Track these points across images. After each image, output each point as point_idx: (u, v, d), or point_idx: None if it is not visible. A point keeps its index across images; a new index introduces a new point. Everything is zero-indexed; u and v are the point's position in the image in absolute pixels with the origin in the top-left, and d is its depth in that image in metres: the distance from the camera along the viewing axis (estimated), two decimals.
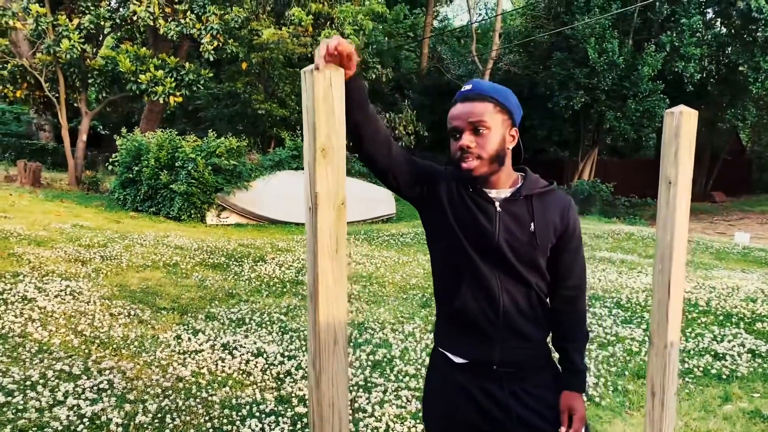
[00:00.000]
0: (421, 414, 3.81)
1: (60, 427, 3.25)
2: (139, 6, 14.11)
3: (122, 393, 3.75)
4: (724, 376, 4.46)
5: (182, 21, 14.44)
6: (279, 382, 4.14)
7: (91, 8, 14.49)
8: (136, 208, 12.68)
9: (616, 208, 19.38)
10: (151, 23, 14.41)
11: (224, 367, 4.34)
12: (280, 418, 3.60)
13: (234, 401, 3.80)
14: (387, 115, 18.93)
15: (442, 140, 21.27)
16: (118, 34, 17.15)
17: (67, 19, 14.25)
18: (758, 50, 18.60)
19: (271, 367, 4.38)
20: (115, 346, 4.58)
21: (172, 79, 14.41)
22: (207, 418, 3.55)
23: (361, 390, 4.05)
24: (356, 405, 3.82)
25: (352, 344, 4.94)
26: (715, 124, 22.21)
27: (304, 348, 4.81)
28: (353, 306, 6.10)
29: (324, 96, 1.52)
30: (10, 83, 15.79)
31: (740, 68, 19.41)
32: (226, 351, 4.66)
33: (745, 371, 4.55)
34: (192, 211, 12.16)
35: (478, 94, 1.70)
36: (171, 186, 12.00)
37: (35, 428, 3.24)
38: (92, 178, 16.07)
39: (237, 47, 15.23)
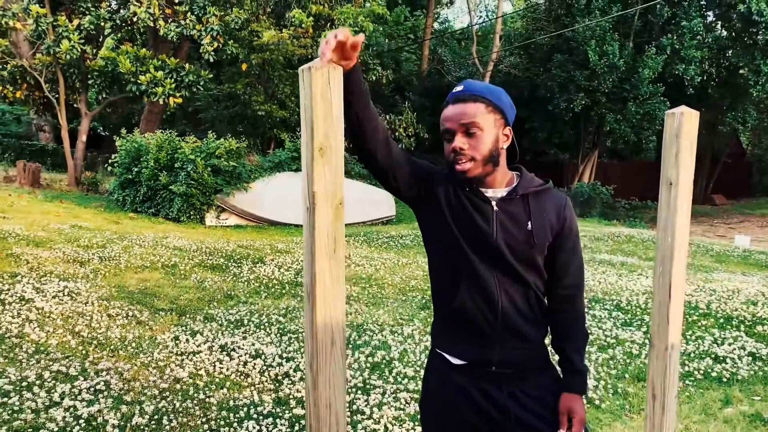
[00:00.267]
0: (419, 416, 3.79)
1: (56, 429, 3.23)
2: (140, 7, 14.10)
3: (119, 394, 3.73)
4: (725, 379, 4.44)
5: (182, 22, 14.43)
6: (277, 384, 4.12)
7: (91, 9, 14.48)
8: (136, 209, 12.66)
9: (616, 211, 19.37)
10: (151, 24, 14.41)
11: (222, 368, 4.32)
12: (277, 420, 3.57)
13: (232, 403, 3.78)
14: (387, 116, 18.92)
15: (442, 142, 21.21)
16: (119, 35, 17.16)
17: (67, 20, 14.25)
18: (759, 53, 18.59)
19: (269, 369, 4.36)
20: (112, 347, 4.56)
21: (172, 80, 14.40)
22: (204, 419, 3.53)
23: (359, 392, 4.03)
24: (354, 407, 3.80)
25: (351, 346, 4.93)
26: (716, 126, 22.22)
27: (302, 350, 4.79)
28: (352, 308, 6.08)
29: (322, 94, 1.50)
30: (10, 84, 15.79)
31: (741, 71, 19.42)
32: (224, 352, 4.64)
33: (745, 374, 4.53)
34: (191, 213, 12.15)
35: (469, 95, 1.69)
36: (170, 187, 11.99)
37: (31, 429, 3.22)
38: (92, 179, 16.06)
39: (237, 48, 15.22)
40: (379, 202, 13.99)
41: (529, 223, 1.72)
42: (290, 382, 4.16)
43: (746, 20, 18.36)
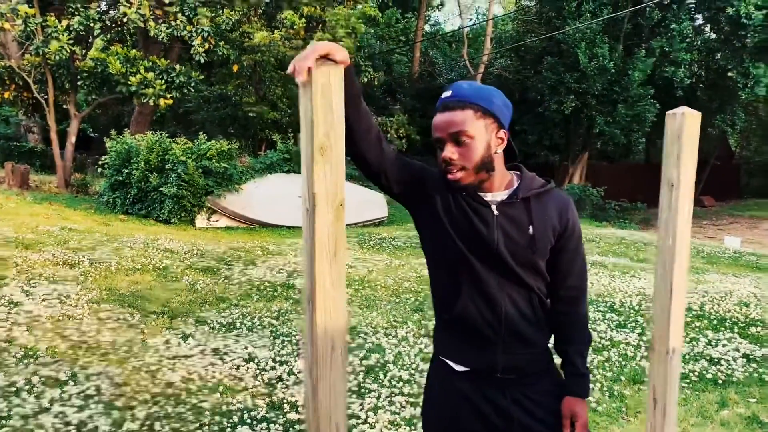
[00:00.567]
0: (415, 421, 3.76)
1: None
2: (129, 8, 14.00)
3: (110, 399, 3.67)
4: (720, 381, 4.43)
5: (173, 23, 14.34)
6: (270, 388, 4.07)
7: (81, 10, 14.36)
8: (126, 211, 12.55)
9: (607, 212, 19.42)
10: (142, 25, 14.30)
11: (215, 372, 4.27)
12: (271, 425, 3.53)
13: (225, 407, 3.73)
14: (379, 118, 18.90)
15: (432, 144, 21.23)
16: (108, 36, 17.02)
17: (57, 21, 14.11)
18: (747, 56, 18.73)
19: (262, 373, 4.31)
20: (103, 350, 4.49)
21: (163, 81, 14.30)
22: (197, 425, 3.48)
23: (354, 396, 3.98)
24: (349, 411, 3.75)
25: None
26: (705, 129, 22.31)
27: (295, 353, 4.74)
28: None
29: (322, 92, 1.46)
30: None
31: (729, 74, 19.54)
32: (217, 356, 4.58)
33: (741, 376, 4.52)
34: (182, 214, 12.06)
35: (457, 101, 1.63)
36: (161, 189, 11.90)
37: None
38: (81, 181, 15.92)
39: (228, 50, 15.14)
40: (372, 203, 13.95)
41: (531, 227, 1.68)
42: (284, 386, 4.11)
43: (735, 23, 18.48)
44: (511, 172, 1.79)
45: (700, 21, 21.42)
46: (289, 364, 4.49)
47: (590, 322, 5.75)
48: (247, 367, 4.37)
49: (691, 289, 7.24)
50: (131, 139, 13.09)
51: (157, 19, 14.50)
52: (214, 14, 14.76)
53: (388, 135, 18.68)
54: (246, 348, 4.78)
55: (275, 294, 6.59)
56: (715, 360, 4.82)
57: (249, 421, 3.56)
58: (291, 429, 3.50)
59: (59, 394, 3.67)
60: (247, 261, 8.16)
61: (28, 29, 14.22)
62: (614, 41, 19.10)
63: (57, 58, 13.93)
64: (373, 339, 5.12)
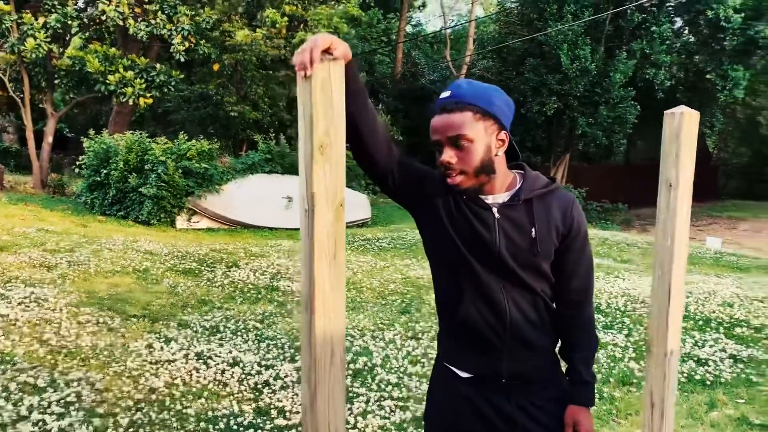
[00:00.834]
0: (405, 425, 3.69)
1: None
2: (108, 5, 13.77)
3: (91, 406, 3.55)
4: (709, 382, 4.43)
5: (152, 21, 14.13)
6: (257, 393, 3.98)
7: (58, 7, 14.08)
8: (104, 212, 12.33)
9: (588, 213, 19.54)
10: (121, 23, 14.08)
11: (199, 377, 4.16)
12: (259, 431, 3.44)
13: (210, 413, 3.63)
14: None
15: (416, 145, 21.23)
16: (86, 34, 16.73)
17: (33, 18, 13.84)
18: (726, 59, 18.95)
19: (248, 377, 4.21)
20: (83, 356, 4.36)
21: (142, 80, 14.09)
22: (182, 431, 3.38)
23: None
24: None
25: None
26: None
27: (281, 357, 4.65)
28: None
29: (322, 87, 1.39)
30: None
31: (708, 76, 19.77)
32: (201, 360, 4.47)
33: (728, 377, 4.53)
34: (162, 215, 11.87)
35: (455, 103, 1.57)
36: (140, 189, 11.71)
37: None
38: (58, 181, 15.63)
39: (209, 48, 14.96)
40: (355, 204, 13.86)
41: (533, 230, 1.63)
42: (270, 391, 4.02)
43: (714, 26, 18.71)
44: (514, 171, 1.73)
45: (679, 24, 21.64)
46: (275, 368, 4.40)
47: None
48: (232, 372, 4.28)
49: None
50: (110, 138, 12.86)
51: (136, 17, 14.28)
52: (194, 12, 14.58)
53: None
54: (230, 352, 4.68)
55: (259, 296, 6.49)
56: (703, 361, 4.83)
57: (235, 427, 3.47)
58: None
59: (38, 401, 3.54)
60: (229, 263, 8.04)
61: (3, 26, 13.92)
62: (596, 43, 19.22)
63: (33, 56, 13.66)
64: (360, 342, 5.05)
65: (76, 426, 3.28)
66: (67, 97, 15.44)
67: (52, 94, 15.82)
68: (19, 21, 13.87)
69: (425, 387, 4.14)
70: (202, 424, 3.47)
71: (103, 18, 14.05)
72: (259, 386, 4.08)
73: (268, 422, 3.55)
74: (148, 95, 14.21)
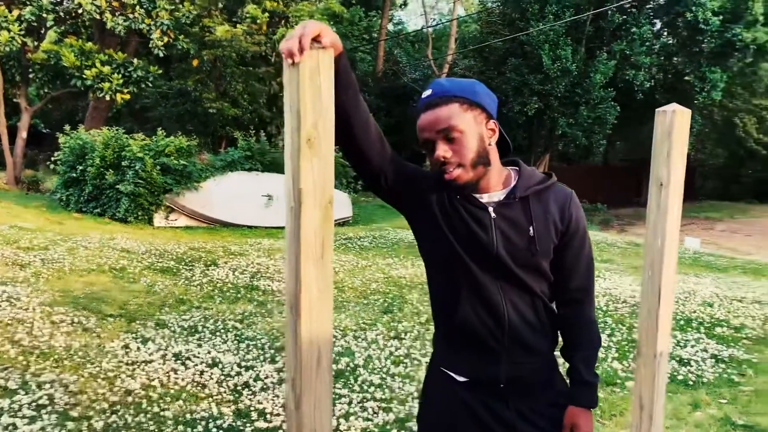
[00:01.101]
0: (389, 427, 3.63)
1: None
2: None
3: (64, 409, 3.43)
4: (691, 383, 4.43)
5: (130, 16, 13.90)
6: (236, 395, 3.89)
7: (33, 0, 13.80)
8: (80, 209, 12.09)
9: None
10: (98, 17, 13.82)
11: (177, 379, 4.06)
12: None
13: (188, 416, 3.53)
14: None
15: (397, 144, 21.16)
16: (62, 28, 16.41)
17: (7, 10, 13.53)
18: (704, 61, 19.15)
19: (227, 379, 4.12)
20: (56, 356, 4.23)
21: (120, 75, 13.85)
22: None
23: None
24: None
25: None
26: None
27: (261, 357, 4.57)
28: None
29: (311, 78, 1.31)
30: None
31: (686, 78, 19.96)
32: (179, 361, 4.37)
33: (711, 377, 4.53)
34: (139, 213, 11.67)
35: (440, 97, 1.53)
36: (117, 186, 11.49)
37: None
38: (32, 178, 15.32)
39: (188, 44, 14.76)
40: (337, 202, 13.72)
41: (531, 228, 1.57)
42: (250, 392, 3.93)
43: (693, 28, 18.89)
44: (508, 167, 1.67)
45: (658, 26, 21.83)
46: (255, 369, 4.31)
47: None
48: (211, 373, 4.18)
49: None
50: (86, 134, 12.62)
51: (114, 11, 14.03)
52: (173, 7, 14.36)
53: None
54: (209, 353, 4.58)
55: (238, 296, 6.39)
56: (685, 361, 4.83)
57: (215, 430, 3.38)
58: None
59: (8, 404, 3.42)
60: (208, 261, 7.91)
61: None
62: (577, 44, 19.31)
63: (7, 49, 13.36)
64: (342, 342, 4.98)
65: (48, 430, 3.17)
66: (41, 91, 15.12)
67: (26, 89, 15.51)
68: None
69: (408, 388, 4.09)
70: (180, 427, 3.38)
71: (80, 12, 13.80)
72: (239, 388, 3.99)
73: (248, 425, 3.46)
74: (126, 91, 13.98)
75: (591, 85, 18.68)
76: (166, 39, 14.05)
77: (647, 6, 20.89)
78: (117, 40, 15.67)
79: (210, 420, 3.49)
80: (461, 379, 1.64)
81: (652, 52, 19.53)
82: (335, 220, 11.69)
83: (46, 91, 15.13)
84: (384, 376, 4.30)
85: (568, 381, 1.73)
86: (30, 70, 14.72)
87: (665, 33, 22.03)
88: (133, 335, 4.86)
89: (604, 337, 5.39)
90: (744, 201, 26.53)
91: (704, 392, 4.27)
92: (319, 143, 1.33)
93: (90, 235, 9.08)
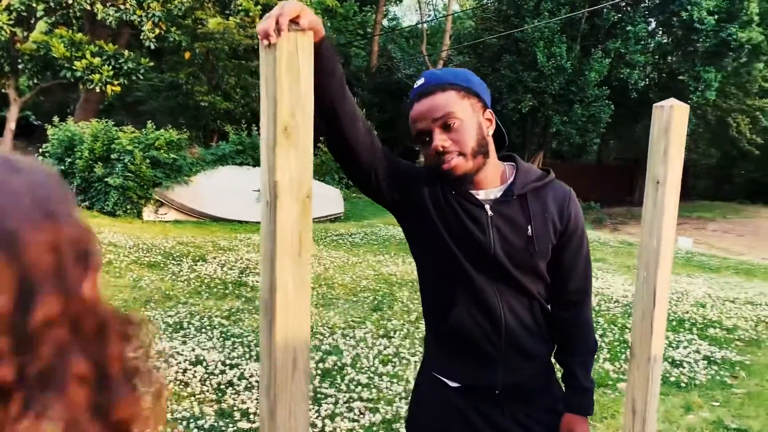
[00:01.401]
0: (375, 429, 3.55)
1: None
2: None
3: None
4: (683, 384, 4.37)
5: (122, 7, 13.71)
6: (220, 394, 3.79)
7: None
8: None
9: None
10: (89, 8, 13.63)
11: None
12: None
13: (169, 416, 3.44)
14: None
15: (390, 140, 21.07)
16: (53, 19, 16.21)
17: None
18: (699, 60, 19.12)
19: (211, 377, 4.03)
20: None
21: (110, 67, 13.67)
22: None
23: (310, 402, 3.74)
24: None
25: None
26: None
27: (247, 356, 4.47)
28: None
29: (288, 63, 1.22)
30: None
31: (681, 77, 19.94)
32: (162, 358, 4.26)
33: (703, 379, 4.47)
34: (128, 206, 11.53)
35: (435, 85, 1.44)
36: (106, 179, 11.35)
37: None
38: None
39: (180, 36, 14.60)
40: (328, 198, 13.66)
41: (530, 227, 1.49)
42: (234, 391, 3.84)
43: (688, 28, 18.85)
44: (505, 163, 1.58)
45: (653, 24, 21.81)
46: (240, 367, 4.22)
47: None
48: (195, 371, 4.08)
49: None
50: (75, 126, 12.46)
51: (105, 1, 13.85)
52: None
53: None
54: (194, 350, 4.48)
55: (226, 292, 6.28)
56: (678, 362, 4.77)
57: (196, 430, 3.29)
58: None
59: None
60: (196, 256, 7.81)
61: None
62: (572, 41, 19.26)
63: None
64: (330, 340, 4.89)
65: None
66: (31, 82, 14.92)
67: (15, 79, 15.30)
68: None
69: (396, 388, 4.00)
70: (160, 427, 3.28)
71: (71, 2, 13.60)
72: (223, 386, 3.90)
73: (230, 425, 3.37)
74: (116, 83, 13.81)
75: (585, 83, 18.64)
76: (157, 31, 13.87)
77: (642, 5, 20.87)
78: (108, 32, 15.48)
79: (191, 420, 3.40)
80: (454, 384, 1.56)
81: (647, 50, 19.50)
82: (327, 216, 11.59)
83: (35, 82, 14.93)
84: (372, 375, 4.22)
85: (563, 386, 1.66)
86: (19, 60, 14.52)
87: (660, 32, 22.01)
88: None
89: (594, 337, 5.33)
90: (736, 201, 26.59)
91: (696, 394, 4.20)
92: (297, 132, 1.24)
93: None
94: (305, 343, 1.30)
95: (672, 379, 4.44)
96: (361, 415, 3.59)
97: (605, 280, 7.73)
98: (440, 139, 1.42)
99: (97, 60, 13.46)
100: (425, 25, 25.87)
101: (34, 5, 13.59)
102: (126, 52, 14.20)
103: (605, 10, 19.11)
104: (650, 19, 21.05)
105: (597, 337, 5.33)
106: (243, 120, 16.63)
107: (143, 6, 13.81)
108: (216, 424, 3.38)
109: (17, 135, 16.24)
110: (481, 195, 1.50)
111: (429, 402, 1.61)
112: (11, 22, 13.31)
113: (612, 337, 5.36)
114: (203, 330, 4.98)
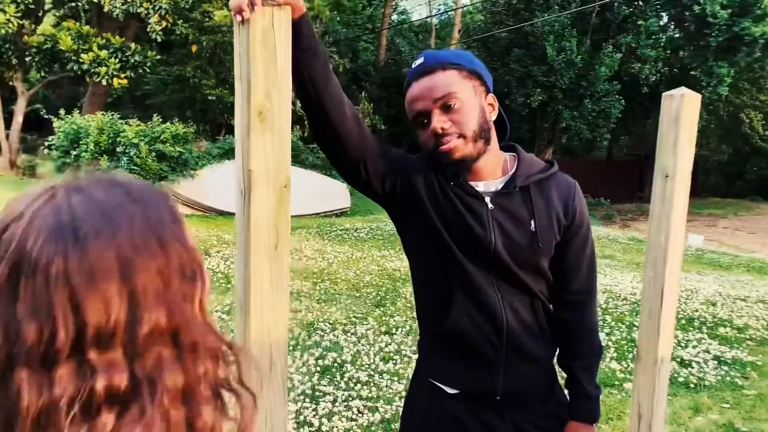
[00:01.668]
0: (373, 428, 3.46)
1: None
2: None
3: None
4: (692, 385, 4.25)
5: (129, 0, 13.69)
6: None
7: None
8: None
9: None
10: (96, 0, 13.60)
11: None
12: None
13: None
14: None
15: (397, 135, 20.98)
16: (61, 12, 16.19)
17: None
18: (711, 55, 18.87)
19: None
20: None
21: (117, 60, 13.64)
22: None
23: (307, 400, 3.66)
24: (301, 417, 3.43)
25: (299, 347, 4.55)
26: None
27: None
28: (302, 304, 5.70)
29: (263, 40, 1.12)
30: None
31: (693, 72, 19.69)
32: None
33: (713, 379, 4.35)
34: None
35: (435, 63, 1.34)
36: (112, 172, 11.32)
37: None
38: (29, 163, 15.15)
39: (187, 29, 14.54)
40: (334, 194, 13.58)
41: (533, 222, 1.38)
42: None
43: (701, 22, 18.59)
44: (506, 153, 1.48)
45: (665, 19, 21.55)
46: None
47: None
48: None
49: None
50: (80, 119, 12.43)
51: None
52: None
53: None
54: None
55: (228, 286, 6.22)
56: (687, 362, 4.65)
57: None
58: None
59: None
60: (200, 250, 7.74)
61: None
62: (582, 35, 19.06)
63: (2, 31, 13.15)
64: (330, 336, 4.81)
65: None
66: (39, 75, 14.93)
67: (23, 72, 15.31)
68: None
69: (397, 386, 3.91)
70: None
71: None
72: None
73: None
74: (123, 76, 13.78)
75: (596, 77, 18.44)
76: (164, 23, 13.82)
77: None
78: (115, 25, 15.45)
79: None
80: (452, 391, 1.45)
81: (659, 45, 19.24)
82: (333, 211, 11.50)
83: (43, 74, 14.94)
84: (372, 373, 4.13)
85: (566, 392, 1.56)
86: (26, 53, 14.52)
87: (672, 26, 21.73)
88: None
89: (602, 335, 5.21)
90: (748, 198, 26.26)
91: (706, 396, 4.09)
92: (273, 116, 1.15)
93: None
94: (283, 342, 1.22)
95: (680, 379, 4.33)
96: (360, 414, 3.51)
97: (613, 277, 7.61)
98: (439, 120, 1.32)
99: (103, 53, 13.45)
100: (434, 20, 25.70)
101: None
102: (133, 45, 14.17)
103: (616, 3, 18.89)
104: (662, 13, 20.78)
105: (604, 335, 5.23)
106: None
107: None
108: None
109: (28, 128, 16.27)
110: (480, 187, 1.40)
111: (424, 409, 1.51)
112: (19, 15, 13.30)
113: (619, 335, 5.24)
114: None
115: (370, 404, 3.65)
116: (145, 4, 13.62)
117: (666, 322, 1.94)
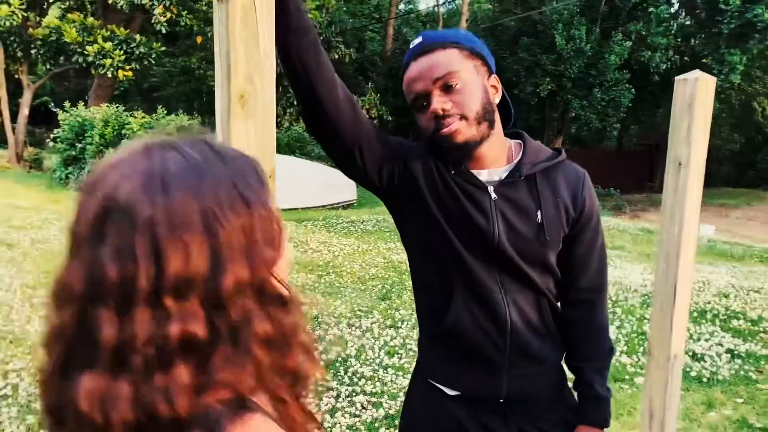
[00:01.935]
0: (377, 425, 3.39)
1: None
2: None
3: (27, 401, 3.20)
4: (705, 380, 4.14)
5: None
6: None
7: None
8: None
9: None
10: None
11: None
12: None
13: None
14: None
15: (404, 125, 20.83)
16: (66, 4, 16.15)
17: None
18: (723, 43, 18.60)
19: None
20: (30, 342, 4.01)
21: (122, 51, 13.59)
22: None
23: (310, 396, 3.58)
24: None
25: None
26: None
27: None
28: (307, 297, 5.61)
29: (244, 18, 1.03)
30: None
31: (704, 60, 19.42)
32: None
33: (726, 374, 4.24)
34: None
35: (436, 42, 1.25)
36: None
37: None
38: (35, 156, 15.15)
39: (192, 20, 14.46)
40: (341, 186, 13.47)
41: (539, 213, 1.29)
42: None
43: (712, 8, 18.32)
44: (511, 140, 1.38)
45: (676, 6, 21.27)
46: None
47: None
48: None
49: None
50: (86, 111, 12.40)
51: None
52: None
53: None
54: None
55: None
56: (699, 356, 4.54)
57: None
58: None
59: None
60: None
61: None
62: (591, 23, 18.84)
63: (7, 24, 13.12)
64: (335, 330, 4.73)
65: (6, 423, 2.94)
66: (44, 68, 14.91)
67: (29, 65, 15.29)
68: None
69: (401, 381, 3.83)
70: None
71: None
72: None
73: None
74: (128, 67, 13.73)
75: (605, 66, 18.24)
76: (168, 15, 13.75)
77: None
78: (120, 17, 15.40)
79: None
80: (453, 392, 1.36)
81: (669, 33, 18.98)
82: (339, 203, 11.39)
83: (48, 66, 14.91)
84: (376, 367, 4.05)
85: (575, 394, 1.46)
86: (32, 46, 14.49)
87: (683, 13, 21.44)
88: None
89: (612, 328, 5.11)
90: (761, 188, 25.95)
91: (719, 390, 3.98)
92: (255, 101, 1.06)
93: None
94: None
95: (693, 373, 4.22)
96: (363, 410, 3.43)
97: (624, 269, 7.49)
98: (440, 102, 1.23)
99: (108, 45, 13.39)
100: (441, 8, 25.49)
101: None
102: (138, 37, 14.11)
103: None
104: (672, 0, 20.51)
105: (614, 328, 5.13)
106: None
107: None
108: None
109: (35, 121, 16.27)
110: (483, 175, 1.31)
111: (423, 412, 1.42)
112: (23, 7, 13.26)
113: (630, 328, 5.13)
114: None
115: (374, 399, 3.58)
116: None
117: (679, 318, 1.85)
